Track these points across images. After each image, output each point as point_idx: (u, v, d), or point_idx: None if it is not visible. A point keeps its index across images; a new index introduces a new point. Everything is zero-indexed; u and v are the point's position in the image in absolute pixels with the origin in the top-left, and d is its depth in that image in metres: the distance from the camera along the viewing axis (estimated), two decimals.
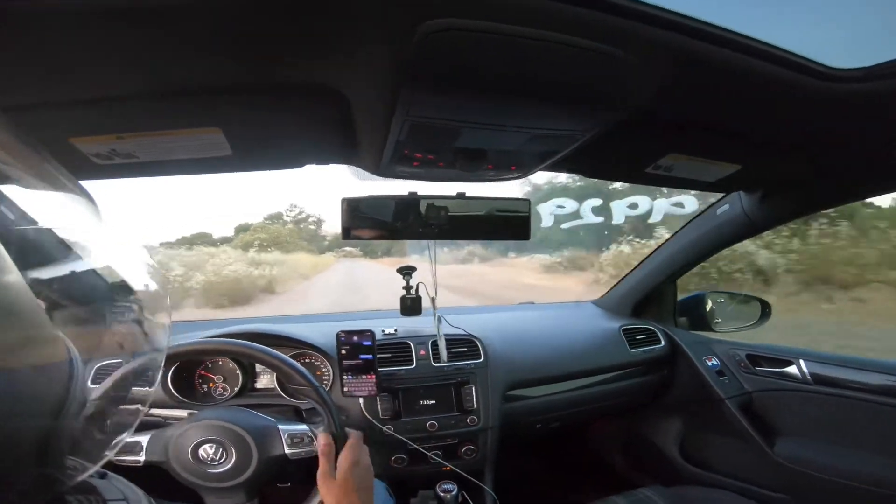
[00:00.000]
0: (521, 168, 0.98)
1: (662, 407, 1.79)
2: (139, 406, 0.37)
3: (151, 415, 1.15)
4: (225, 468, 0.82)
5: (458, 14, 0.49)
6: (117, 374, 0.35)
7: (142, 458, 0.83)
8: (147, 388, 0.37)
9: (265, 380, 1.30)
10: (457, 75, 0.60)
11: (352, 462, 0.77)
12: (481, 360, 1.38)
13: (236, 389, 1.26)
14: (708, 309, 1.79)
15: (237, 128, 0.75)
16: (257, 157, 0.91)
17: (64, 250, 0.31)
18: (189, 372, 1.25)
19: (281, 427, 0.89)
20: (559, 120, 0.76)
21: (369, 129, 0.79)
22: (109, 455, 0.34)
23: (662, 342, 1.71)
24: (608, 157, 1.00)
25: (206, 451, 0.82)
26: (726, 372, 1.63)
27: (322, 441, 0.79)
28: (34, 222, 0.29)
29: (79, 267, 0.32)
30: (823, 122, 0.82)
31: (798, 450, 1.44)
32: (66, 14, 0.45)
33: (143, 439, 0.84)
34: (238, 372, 1.27)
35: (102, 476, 0.40)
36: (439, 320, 1.34)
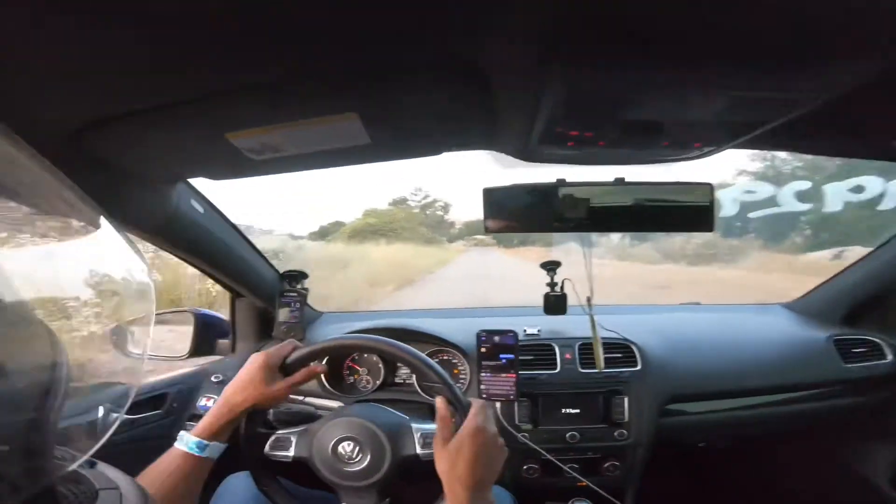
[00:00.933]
0: (709, 144, 0.77)
1: (874, 431, 1.45)
2: (128, 391, 0.37)
3: (306, 403, 1.23)
4: (360, 467, 0.81)
5: None
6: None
7: (291, 453, 0.85)
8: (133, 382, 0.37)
9: (404, 374, 1.31)
10: (627, 28, 0.47)
11: (473, 429, 0.68)
12: (638, 367, 1.23)
13: (378, 383, 1.28)
14: None
15: (374, 112, 0.70)
16: (396, 145, 0.86)
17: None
18: (339, 363, 1.31)
19: (414, 426, 0.86)
20: (772, 80, 0.56)
21: (515, 105, 0.68)
22: (99, 443, 0.33)
23: (889, 357, 1.34)
24: (840, 127, 0.76)
25: (345, 448, 0.82)
26: None
27: (440, 405, 0.72)
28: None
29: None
30: None
31: None
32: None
33: (293, 437, 0.86)
34: (381, 366, 1.29)
35: (92, 465, 0.39)
36: (594, 322, 1.19)
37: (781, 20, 0.45)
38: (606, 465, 1.19)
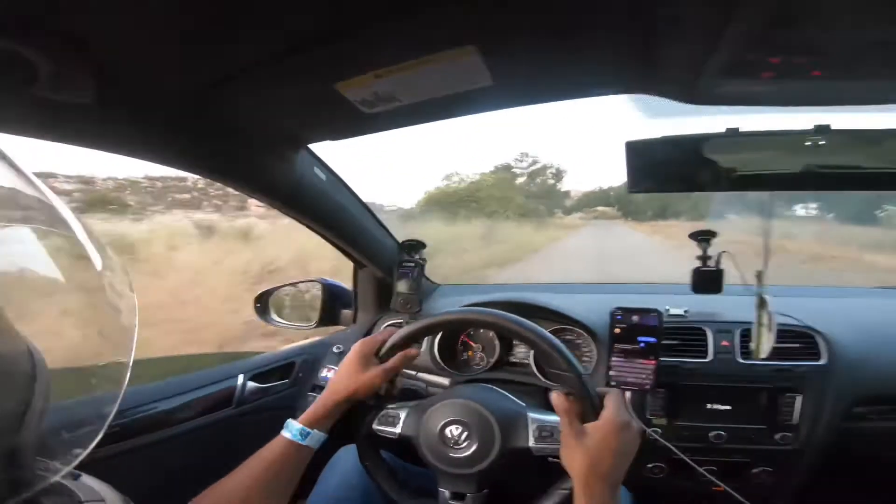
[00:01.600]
0: None
1: None
2: (113, 400, 0.36)
3: (418, 378, 1.21)
4: (466, 453, 0.76)
5: None
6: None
7: (398, 430, 0.83)
8: (117, 391, 0.36)
9: (521, 354, 1.23)
10: None
11: (619, 423, 0.63)
12: (822, 361, 1.06)
13: (492, 361, 1.21)
14: None
15: (496, 45, 0.61)
16: (524, 87, 0.77)
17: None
18: (454, 338, 1.26)
19: (531, 415, 0.78)
20: None
21: (685, 27, 0.54)
22: (82, 455, 0.33)
23: None
24: None
25: (453, 431, 0.78)
26: None
27: (557, 400, 0.66)
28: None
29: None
30: None
31: None
32: None
33: (402, 413, 0.84)
34: (496, 342, 1.22)
35: (76, 477, 0.39)
36: (763, 302, 0.98)
37: None
38: (756, 470, 1.06)
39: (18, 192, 0.33)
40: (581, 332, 1.17)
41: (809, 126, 0.70)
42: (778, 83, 0.59)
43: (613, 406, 0.65)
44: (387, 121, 0.84)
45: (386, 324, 1.34)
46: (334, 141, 0.96)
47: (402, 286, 1.31)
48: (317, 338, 1.41)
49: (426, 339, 1.22)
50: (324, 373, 1.26)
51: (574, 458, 0.62)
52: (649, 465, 1.10)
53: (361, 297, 1.41)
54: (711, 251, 1.06)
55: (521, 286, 1.65)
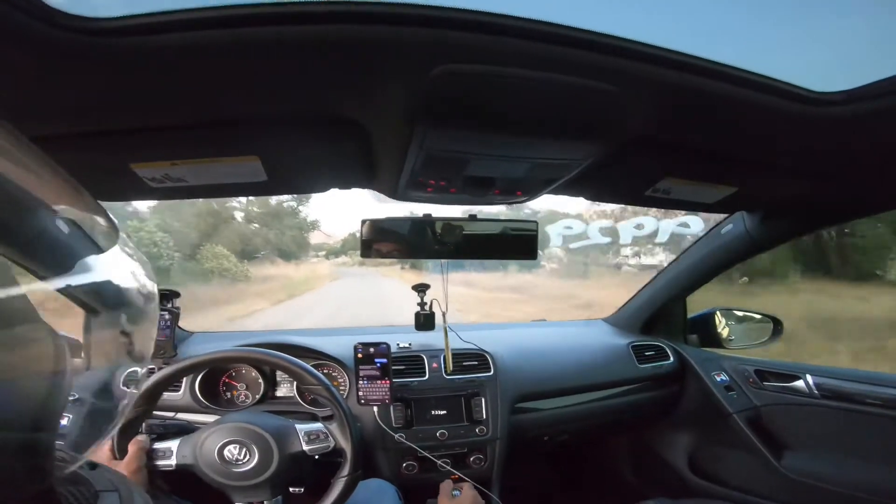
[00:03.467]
0: (527, 193, 1.05)
1: (671, 421, 1.81)
2: (128, 396, 0.39)
3: (179, 419, 1.23)
4: (249, 467, 0.87)
5: (466, 60, 0.56)
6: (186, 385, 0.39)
7: (174, 461, 0.89)
8: (134, 389, 0.39)
9: (285, 389, 1.37)
10: (466, 112, 0.67)
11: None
12: (491, 373, 1.43)
13: (258, 397, 1.33)
14: (719, 327, 1.80)
15: (273, 156, 0.83)
16: (289, 183, 0.99)
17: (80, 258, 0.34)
18: (214, 380, 1.32)
19: (297, 426, 0.94)
20: (560, 150, 0.83)
21: (388, 158, 0.87)
22: (98, 446, 0.35)
23: (671, 358, 1.74)
24: (608, 182, 1.06)
25: (231, 451, 0.87)
26: (735, 387, 1.65)
27: (444, 487, 0.99)
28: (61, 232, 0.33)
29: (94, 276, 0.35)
30: (814, 145, 0.85)
31: (805, 463, 1.46)
32: (140, 51, 0.52)
33: (174, 444, 0.89)
34: (260, 381, 1.34)
35: (93, 467, 0.39)
36: (447, 332, 1.39)
37: (556, 114, 0.70)
38: (472, 458, 1.34)
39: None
40: (335, 365, 1.38)
41: (466, 215, 1.15)
42: (438, 193, 1.01)
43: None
44: (168, 193, 0.94)
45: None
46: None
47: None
48: None
49: (185, 381, 1.25)
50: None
51: None
52: (404, 464, 1.31)
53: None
54: (427, 298, 1.44)
55: (275, 332, 1.76)
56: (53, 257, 0.33)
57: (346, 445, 0.95)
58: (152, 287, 0.40)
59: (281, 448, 0.89)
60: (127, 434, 0.86)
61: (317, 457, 0.95)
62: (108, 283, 0.36)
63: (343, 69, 0.59)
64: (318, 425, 0.96)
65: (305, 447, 0.92)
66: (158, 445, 0.89)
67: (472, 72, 0.58)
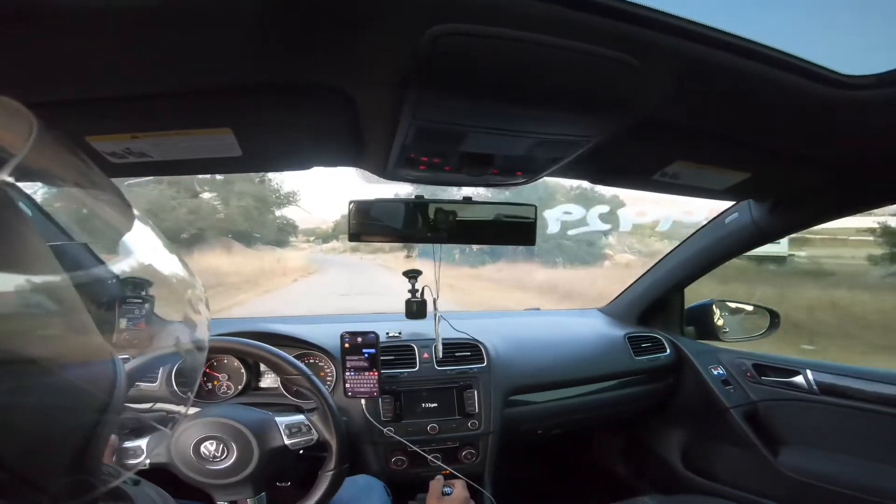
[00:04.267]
0: (528, 173, 0.99)
1: (666, 415, 1.78)
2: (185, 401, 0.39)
3: (154, 410, 1.16)
4: (228, 464, 0.82)
5: (465, 19, 0.50)
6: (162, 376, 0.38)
7: (146, 461, 0.82)
8: (186, 389, 0.40)
9: (269, 379, 1.31)
10: (463, 79, 0.61)
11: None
12: (484, 364, 1.38)
13: (240, 388, 1.27)
14: (716, 318, 1.77)
15: (247, 129, 0.76)
16: (266, 159, 0.92)
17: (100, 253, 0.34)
18: None
19: (278, 419, 0.90)
20: (566, 125, 0.76)
21: (376, 132, 0.80)
22: (141, 462, 0.35)
23: (668, 350, 1.70)
24: (615, 164, 1.00)
25: (208, 448, 0.82)
26: (732, 381, 1.62)
27: (434, 485, 0.98)
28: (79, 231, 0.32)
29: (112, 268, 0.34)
30: (836, 130, 0.81)
31: (802, 459, 1.43)
32: (84, 13, 0.46)
33: (142, 442, 0.81)
34: (242, 371, 1.28)
35: (136, 483, 0.40)
36: (439, 321, 1.34)
37: (565, 85, 0.63)
38: (464, 452, 1.30)
39: None
40: (321, 355, 1.32)
41: (460, 197, 1.08)
42: (431, 171, 0.94)
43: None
44: (130, 170, 0.87)
45: None
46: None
47: (124, 323, 1.24)
48: None
49: (162, 370, 1.17)
50: None
51: None
52: (392, 459, 1.27)
53: None
54: (418, 285, 1.38)
55: (260, 319, 1.70)
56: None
57: (330, 438, 0.91)
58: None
59: (261, 443, 0.85)
60: None
61: (301, 451, 0.90)
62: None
63: (321, 27, 0.52)
64: (300, 417, 0.92)
65: (287, 441, 0.88)
66: (128, 444, 0.81)
67: (470, 32, 0.51)
